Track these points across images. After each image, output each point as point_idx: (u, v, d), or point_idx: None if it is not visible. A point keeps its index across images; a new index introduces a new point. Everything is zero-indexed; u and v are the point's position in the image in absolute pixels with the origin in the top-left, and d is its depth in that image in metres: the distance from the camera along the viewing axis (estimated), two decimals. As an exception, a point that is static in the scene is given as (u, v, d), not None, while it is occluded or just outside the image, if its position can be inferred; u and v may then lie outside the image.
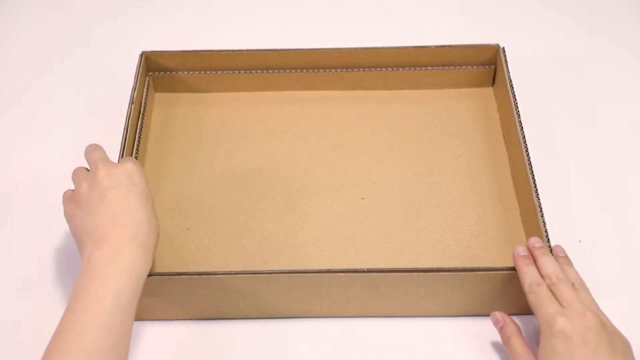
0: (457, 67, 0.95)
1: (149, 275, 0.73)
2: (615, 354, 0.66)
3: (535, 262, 0.73)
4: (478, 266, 0.75)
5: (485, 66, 0.94)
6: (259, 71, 0.95)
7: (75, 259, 0.76)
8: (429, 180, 0.87)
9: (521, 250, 0.74)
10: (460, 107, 0.94)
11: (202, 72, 0.95)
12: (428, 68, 0.95)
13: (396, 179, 0.87)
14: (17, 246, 0.84)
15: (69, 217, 0.73)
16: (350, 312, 0.77)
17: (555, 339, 0.67)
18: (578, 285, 0.71)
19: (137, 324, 0.76)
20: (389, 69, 0.95)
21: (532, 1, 1.12)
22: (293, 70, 0.95)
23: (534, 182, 0.79)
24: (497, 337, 0.75)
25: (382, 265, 0.78)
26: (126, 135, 0.84)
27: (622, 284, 0.80)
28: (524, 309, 0.76)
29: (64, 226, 0.85)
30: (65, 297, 0.79)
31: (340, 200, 0.85)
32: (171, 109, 0.95)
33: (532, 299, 0.70)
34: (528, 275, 0.71)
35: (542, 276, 0.71)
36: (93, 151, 0.76)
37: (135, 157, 0.85)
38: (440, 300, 0.76)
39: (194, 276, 0.73)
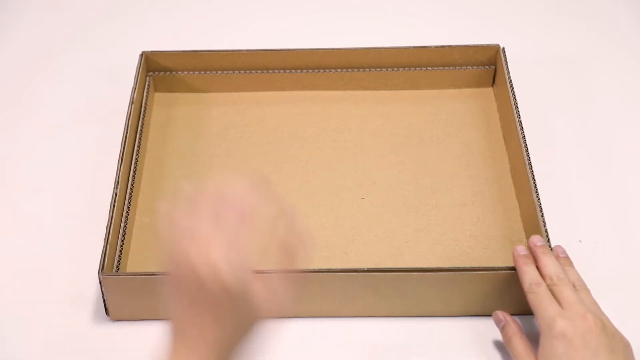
0: (457, 67, 0.95)
1: (149, 275, 0.73)
2: (615, 356, 0.66)
3: (535, 261, 0.73)
4: (478, 266, 0.75)
5: (485, 66, 0.94)
6: (259, 71, 0.95)
7: (76, 259, 0.76)
8: (429, 180, 0.87)
9: (521, 250, 0.74)
10: (460, 107, 0.94)
11: (202, 72, 0.95)
12: (428, 68, 0.95)
13: (396, 179, 0.87)
14: (17, 246, 0.84)
15: None
16: (350, 312, 0.77)
17: (555, 341, 0.67)
18: (579, 286, 0.71)
19: (137, 324, 0.76)
20: (389, 69, 0.95)
21: (532, 1, 1.12)
22: (293, 71, 0.95)
23: (534, 182, 0.79)
24: (498, 337, 0.75)
25: (382, 265, 0.78)
26: (126, 135, 0.84)
27: (622, 284, 0.80)
28: (524, 309, 0.76)
29: (64, 225, 0.85)
30: (66, 296, 0.79)
31: (340, 200, 0.85)
32: (171, 109, 0.95)
33: (532, 299, 0.70)
34: (528, 274, 0.71)
35: (542, 276, 0.71)
36: None
37: (136, 157, 0.85)
38: (440, 300, 0.76)
39: (194, 276, 0.73)
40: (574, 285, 0.71)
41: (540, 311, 0.69)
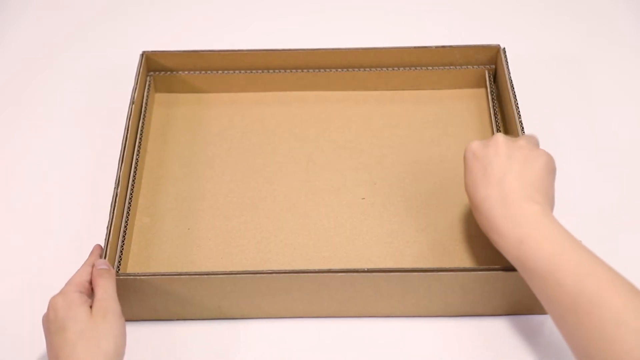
0: (457, 67, 0.95)
1: (150, 275, 0.73)
2: (512, 161, 0.72)
3: None
4: (478, 266, 0.75)
5: (486, 66, 0.94)
6: (259, 71, 0.95)
7: (76, 259, 0.76)
8: (429, 180, 0.87)
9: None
10: (460, 107, 0.94)
11: (202, 72, 0.95)
12: (428, 68, 0.95)
13: (396, 179, 0.87)
14: (17, 246, 0.84)
15: None
16: (350, 312, 0.77)
17: (466, 161, 0.75)
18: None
19: (137, 324, 0.76)
20: (390, 69, 0.95)
21: (532, 1, 1.12)
22: (293, 71, 0.95)
23: (534, 182, 0.79)
24: (498, 337, 0.75)
25: (382, 265, 0.78)
26: (126, 136, 0.84)
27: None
28: (525, 309, 0.76)
29: (64, 226, 0.85)
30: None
31: (340, 200, 0.85)
32: (171, 109, 0.95)
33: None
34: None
35: None
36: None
37: (136, 158, 0.86)
38: (440, 300, 0.76)
39: (194, 276, 0.73)
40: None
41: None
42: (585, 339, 0.62)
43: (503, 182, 0.71)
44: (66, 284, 0.71)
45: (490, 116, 0.92)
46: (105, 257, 0.74)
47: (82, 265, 0.73)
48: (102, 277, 0.71)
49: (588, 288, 0.63)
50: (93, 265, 0.73)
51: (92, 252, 0.75)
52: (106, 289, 0.70)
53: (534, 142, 0.75)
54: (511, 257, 0.69)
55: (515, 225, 0.68)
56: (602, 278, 0.64)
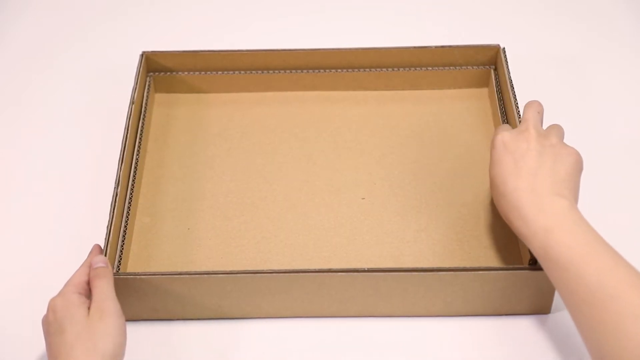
0: (457, 68, 0.95)
1: (150, 275, 0.73)
2: (542, 159, 0.73)
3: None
4: (478, 266, 0.75)
5: (486, 66, 0.94)
6: (259, 71, 0.95)
7: (76, 259, 0.76)
8: (429, 180, 0.87)
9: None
10: (460, 107, 0.94)
11: (202, 72, 0.95)
12: (428, 68, 0.95)
13: (396, 179, 0.87)
14: (17, 246, 0.84)
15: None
16: (350, 312, 0.77)
17: (493, 150, 0.75)
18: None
19: (137, 324, 0.76)
20: (390, 69, 0.95)
21: (532, 1, 1.12)
22: (293, 71, 0.95)
23: (534, 182, 0.79)
24: (498, 337, 0.75)
25: (382, 265, 0.78)
26: (126, 136, 0.84)
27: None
28: (525, 309, 0.76)
29: (64, 226, 0.85)
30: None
31: (340, 200, 0.85)
32: (171, 109, 0.95)
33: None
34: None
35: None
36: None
37: (136, 158, 0.86)
38: (440, 300, 0.76)
39: (194, 276, 0.73)
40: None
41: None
42: (601, 333, 0.63)
43: (534, 175, 0.72)
44: (65, 285, 0.71)
45: (493, 116, 0.92)
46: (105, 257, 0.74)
47: (81, 265, 0.73)
48: (99, 278, 0.70)
49: (608, 282, 0.64)
50: (91, 252, 0.73)
51: (91, 252, 0.75)
52: (103, 289, 0.69)
53: (562, 135, 0.77)
54: (534, 245, 0.69)
55: (543, 216, 0.69)
56: (622, 273, 0.64)
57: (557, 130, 0.77)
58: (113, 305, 0.68)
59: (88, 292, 0.70)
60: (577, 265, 0.66)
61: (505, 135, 0.75)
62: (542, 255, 0.69)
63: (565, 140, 0.76)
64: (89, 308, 0.68)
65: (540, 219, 0.69)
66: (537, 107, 0.78)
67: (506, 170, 0.73)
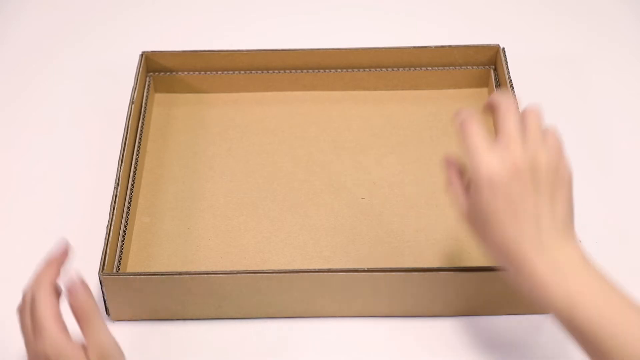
0: (457, 68, 0.95)
1: (150, 275, 0.73)
2: (541, 197, 0.60)
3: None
4: (478, 266, 0.75)
5: (485, 66, 0.94)
6: (259, 71, 0.95)
7: (76, 259, 0.76)
8: (429, 180, 0.87)
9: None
10: (460, 107, 0.94)
11: (202, 72, 0.95)
12: (428, 68, 0.95)
13: (396, 179, 0.87)
14: (17, 246, 0.84)
15: None
16: (350, 312, 0.77)
17: (485, 193, 0.60)
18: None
19: (137, 324, 0.77)
20: (389, 69, 0.95)
21: (532, 1, 1.12)
22: (293, 71, 0.95)
23: (534, 182, 0.78)
24: (497, 337, 0.75)
25: (382, 265, 0.78)
26: (126, 136, 0.84)
27: (622, 284, 0.80)
28: (525, 309, 0.76)
29: (65, 225, 0.85)
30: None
31: (340, 200, 0.85)
32: (171, 109, 0.95)
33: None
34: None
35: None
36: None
37: (136, 158, 0.86)
38: (440, 300, 0.76)
39: (193, 276, 0.73)
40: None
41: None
42: None
43: (537, 220, 0.61)
44: (44, 325, 0.59)
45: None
46: (105, 257, 0.74)
47: (43, 269, 0.63)
48: (89, 320, 0.60)
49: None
50: (69, 290, 0.60)
51: (51, 256, 0.64)
52: (100, 335, 0.60)
53: (557, 146, 0.64)
54: (559, 315, 0.61)
55: (562, 279, 0.60)
56: None
57: (546, 149, 0.63)
58: (113, 349, 0.60)
59: (60, 293, 0.63)
60: (604, 337, 0.59)
61: (490, 168, 0.61)
62: (565, 324, 0.61)
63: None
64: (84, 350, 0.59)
65: (558, 284, 0.60)
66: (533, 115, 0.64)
67: (499, 216, 0.61)
